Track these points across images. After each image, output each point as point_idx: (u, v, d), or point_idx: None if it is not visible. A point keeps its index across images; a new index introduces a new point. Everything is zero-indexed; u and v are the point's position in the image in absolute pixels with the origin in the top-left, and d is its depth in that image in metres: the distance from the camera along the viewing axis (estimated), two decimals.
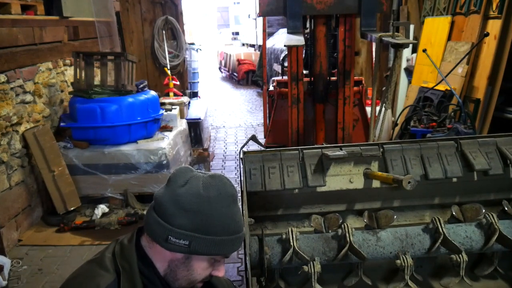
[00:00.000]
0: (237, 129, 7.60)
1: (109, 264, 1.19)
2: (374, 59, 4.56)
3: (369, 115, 3.63)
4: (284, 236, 1.66)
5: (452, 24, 4.80)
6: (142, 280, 1.18)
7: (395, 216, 1.74)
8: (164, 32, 6.82)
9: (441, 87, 4.14)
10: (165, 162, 4.07)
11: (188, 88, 7.58)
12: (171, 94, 6.09)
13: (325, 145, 1.90)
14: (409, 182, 1.52)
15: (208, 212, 1.15)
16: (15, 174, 3.69)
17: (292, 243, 1.61)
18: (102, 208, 3.96)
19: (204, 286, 1.33)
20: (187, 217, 1.15)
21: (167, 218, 1.16)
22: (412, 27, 5.69)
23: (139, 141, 4.21)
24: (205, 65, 15.17)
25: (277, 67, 8.83)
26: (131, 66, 4.28)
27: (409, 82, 5.46)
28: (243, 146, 1.89)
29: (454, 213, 1.83)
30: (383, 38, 2.28)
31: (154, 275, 1.21)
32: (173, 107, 5.21)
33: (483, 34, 4.08)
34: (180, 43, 7.01)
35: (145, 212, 2.09)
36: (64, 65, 4.65)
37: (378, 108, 2.78)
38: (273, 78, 4.64)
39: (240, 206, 1.27)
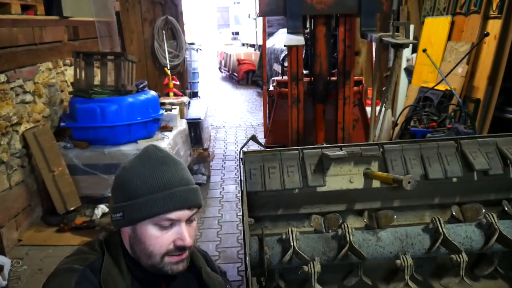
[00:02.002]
0: (237, 129, 7.60)
1: (98, 246, 1.23)
2: (374, 59, 4.56)
3: (369, 115, 3.63)
4: (284, 236, 1.66)
5: (452, 24, 4.79)
6: (126, 262, 1.20)
7: (395, 216, 1.74)
8: (164, 32, 6.81)
9: (441, 87, 4.14)
10: None
11: (188, 88, 7.58)
12: (171, 94, 6.09)
13: (325, 145, 1.89)
14: (409, 182, 1.51)
15: (128, 178, 1.19)
16: (15, 174, 3.69)
17: (292, 243, 1.61)
18: (102, 208, 3.95)
19: (197, 286, 1.34)
20: (117, 191, 1.22)
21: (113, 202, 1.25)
22: (412, 27, 5.69)
23: (139, 141, 4.21)
24: (205, 65, 15.16)
25: (277, 67, 8.82)
26: (131, 66, 4.27)
27: (409, 82, 5.45)
28: (243, 146, 1.88)
29: (454, 213, 1.82)
30: (383, 38, 2.28)
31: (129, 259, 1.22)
32: (173, 107, 5.22)
33: (483, 34, 4.08)
34: (180, 43, 7.01)
35: None
36: (64, 65, 4.65)
37: (378, 108, 2.77)
38: (273, 78, 4.63)
39: (183, 168, 1.24)
